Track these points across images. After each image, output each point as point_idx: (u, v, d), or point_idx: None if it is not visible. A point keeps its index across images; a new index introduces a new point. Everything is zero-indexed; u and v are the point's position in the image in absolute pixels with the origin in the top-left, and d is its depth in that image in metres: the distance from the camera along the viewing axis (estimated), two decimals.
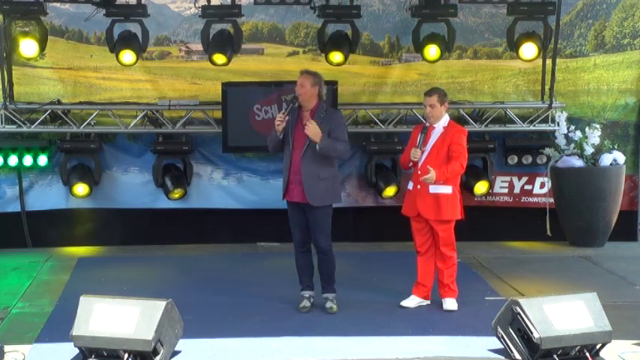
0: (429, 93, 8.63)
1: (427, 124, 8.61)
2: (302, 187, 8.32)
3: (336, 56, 11.42)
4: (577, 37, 12.25)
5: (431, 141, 8.52)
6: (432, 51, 11.36)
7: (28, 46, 10.99)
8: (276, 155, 11.08)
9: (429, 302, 8.75)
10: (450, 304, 8.64)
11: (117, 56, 11.11)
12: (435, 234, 8.64)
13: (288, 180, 8.38)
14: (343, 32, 11.52)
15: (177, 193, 11.73)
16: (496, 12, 12.10)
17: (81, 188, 11.54)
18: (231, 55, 11.26)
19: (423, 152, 8.52)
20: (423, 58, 11.52)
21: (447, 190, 8.51)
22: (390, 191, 11.91)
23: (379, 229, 12.15)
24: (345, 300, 8.75)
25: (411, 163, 8.64)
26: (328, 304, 8.57)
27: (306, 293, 8.66)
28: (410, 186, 8.73)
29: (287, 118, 8.25)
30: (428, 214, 8.56)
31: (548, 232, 11.60)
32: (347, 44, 11.46)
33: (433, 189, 8.46)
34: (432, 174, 8.29)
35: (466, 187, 12.01)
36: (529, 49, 11.45)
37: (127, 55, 11.10)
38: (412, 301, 8.74)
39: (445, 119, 8.60)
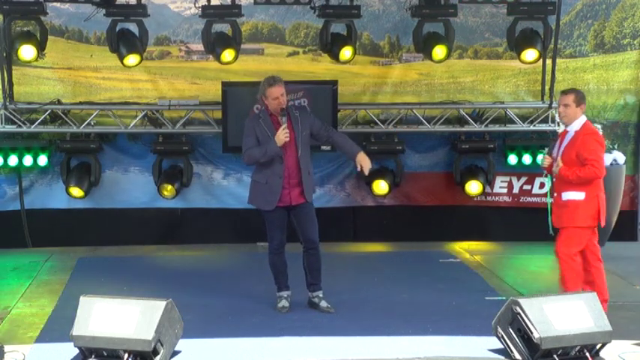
0: (565, 92, 8.24)
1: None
2: (300, 188, 8.37)
3: (346, 52, 11.33)
4: (577, 37, 12.25)
5: (563, 145, 8.16)
6: (439, 52, 11.29)
7: (26, 51, 10.95)
8: None
9: None
10: None
11: (121, 60, 11.11)
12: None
13: (282, 187, 8.35)
14: (342, 33, 11.52)
15: (168, 191, 11.71)
16: (496, 12, 12.10)
17: (75, 191, 11.60)
18: (237, 51, 11.24)
19: (555, 159, 8.14)
20: (430, 59, 11.47)
21: (578, 196, 8.04)
22: (379, 188, 11.86)
23: (379, 228, 12.16)
24: (345, 300, 8.75)
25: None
26: (324, 304, 8.56)
27: (284, 293, 8.66)
28: (553, 196, 8.29)
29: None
30: (559, 221, 8.17)
31: (551, 232, 11.59)
32: (350, 41, 11.43)
33: (565, 196, 8.08)
34: (558, 168, 8.03)
35: (461, 187, 12.03)
36: (530, 54, 11.45)
37: (132, 59, 11.11)
38: None
39: (580, 122, 8.13)
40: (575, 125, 8.15)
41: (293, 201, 8.39)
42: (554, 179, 8.27)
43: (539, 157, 8.15)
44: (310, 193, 8.46)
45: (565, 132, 8.25)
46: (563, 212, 8.14)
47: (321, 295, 8.61)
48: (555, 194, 8.23)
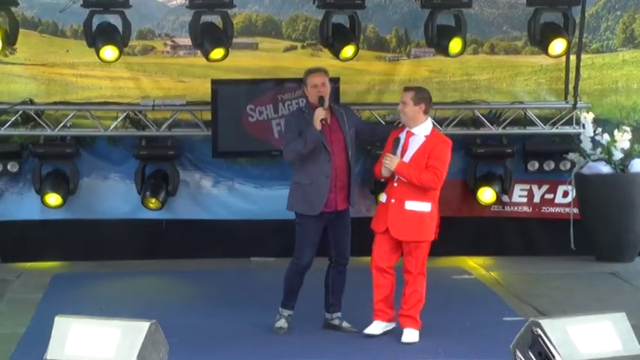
0: (406, 88, 8.50)
1: (406, 129, 8.36)
2: (346, 192, 8.43)
3: (349, 50, 11.35)
4: (604, 30, 12.27)
5: (410, 150, 8.28)
6: (455, 45, 11.30)
7: None
8: (273, 160, 11.15)
9: (393, 325, 8.52)
10: (410, 335, 8.32)
11: (97, 53, 11.09)
12: (406, 255, 8.33)
13: (329, 189, 8.36)
14: (345, 25, 11.54)
15: (153, 204, 11.72)
16: (515, 2, 12.14)
17: (53, 199, 11.57)
18: (227, 48, 11.25)
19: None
20: (444, 54, 11.47)
21: (425, 207, 8.28)
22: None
23: None
24: (348, 320, 8.73)
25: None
26: (346, 325, 8.61)
27: (286, 312, 8.62)
28: (383, 198, 8.45)
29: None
30: (399, 233, 8.27)
31: (573, 246, 11.60)
32: (353, 36, 11.44)
33: (410, 205, 8.23)
34: (395, 161, 8.13)
35: (473, 196, 12.03)
36: (559, 45, 11.38)
37: (109, 52, 11.06)
38: (377, 327, 8.43)
39: (427, 127, 8.32)
40: (424, 129, 8.30)
41: (339, 206, 8.43)
42: (395, 182, 8.30)
43: (389, 159, 8.26)
44: (355, 197, 8.61)
45: (410, 134, 8.30)
46: (411, 224, 8.24)
47: (341, 316, 8.66)
48: (393, 200, 8.27)
